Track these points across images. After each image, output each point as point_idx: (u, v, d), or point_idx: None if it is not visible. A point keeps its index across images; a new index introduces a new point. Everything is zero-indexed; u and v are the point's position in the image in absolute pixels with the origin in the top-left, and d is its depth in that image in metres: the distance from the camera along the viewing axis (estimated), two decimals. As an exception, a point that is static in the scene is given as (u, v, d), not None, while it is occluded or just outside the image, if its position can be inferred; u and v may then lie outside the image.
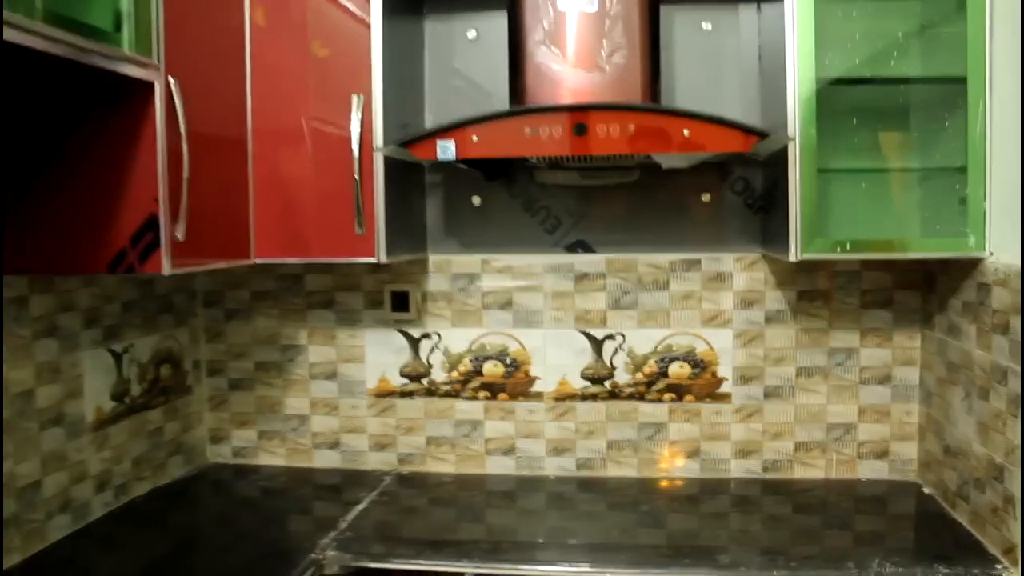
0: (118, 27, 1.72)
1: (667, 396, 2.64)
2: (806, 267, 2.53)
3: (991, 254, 2.07)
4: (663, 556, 2.09)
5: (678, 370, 2.63)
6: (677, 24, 2.56)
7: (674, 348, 2.63)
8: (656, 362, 2.64)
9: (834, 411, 2.59)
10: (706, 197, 2.55)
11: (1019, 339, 1.88)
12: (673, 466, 2.66)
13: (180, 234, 1.89)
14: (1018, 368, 1.89)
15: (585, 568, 2.00)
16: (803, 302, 2.57)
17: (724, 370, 2.61)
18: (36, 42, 1.45)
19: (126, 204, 1.86)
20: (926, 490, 2.46)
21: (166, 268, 1.86)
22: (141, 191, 1.85)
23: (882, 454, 2.58)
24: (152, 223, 1.85)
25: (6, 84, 1.76)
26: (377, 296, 2.74)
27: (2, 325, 1.96)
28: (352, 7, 2.25)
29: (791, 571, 1.94)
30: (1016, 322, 1.90)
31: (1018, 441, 1.89)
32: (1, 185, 1.90)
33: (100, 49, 1.64)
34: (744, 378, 2.61)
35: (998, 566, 1.92)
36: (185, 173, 1.89)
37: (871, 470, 2.59)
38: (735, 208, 2.57)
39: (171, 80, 1.86)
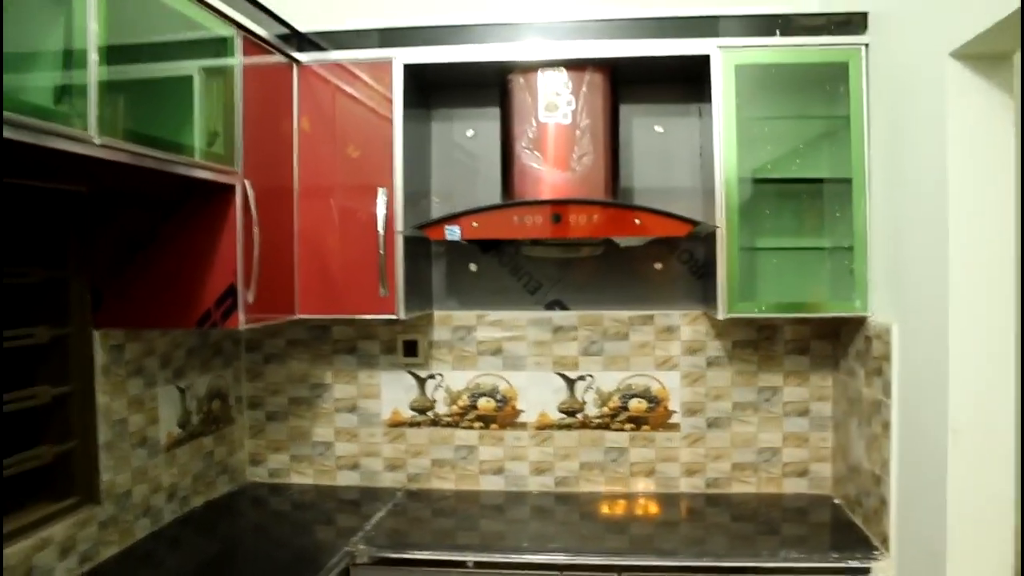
0: (211, 143, 2.33)
1: (628, 426, 3.24)
2: (739, 322, 3.14)
3: (872, 314, 2.69)
4: (623, 551, 2.67)
5: (637, 404, 3.23)
6: (635, 126, 3.19)
7: (633, 387, 3.23)
8: (619, 398, 3.24)
9: (763, 438, 3.19)
10: (658, 265, 3.17)
11: (888, 380, 2.49)
12: (640, 487, 3.24)
13: (251, 298, 2.48)
14: (888, 401, 2.49)
15: (560, 557, 2.58)
16: (737, 349, 3.18)
17: (674, 404, 3.22)
18: (157, 164, 2.07)
19: (211, 275, 2.45)
20: (836, 501, 3.06)
21: (242, 324, 2.45)
22: (223, 266, 2.44)
23: (803, 473, 3.18)
24: (231, 290, 2.44)
25: (126, 189, 2.36)
26: (391, 344, 3.33)
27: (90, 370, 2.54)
28: (379, 112, 2.87)
29: (717, 557, 2.53)
30: (887, 367, 2.51)
31: (889, 456, 2.49)
32: (104, 262, 2.50)
33: (200, 163, 2.25)
34: (690, 411, 3.21)
35: (875, 552, 2.51)
36: (255, 251, 2.49)
37: (794, 486, 3.18)
38: (681, 274, 3.19)
39: (247, 183, 2.47)
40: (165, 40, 2.15)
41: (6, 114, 1.52)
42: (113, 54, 1.85)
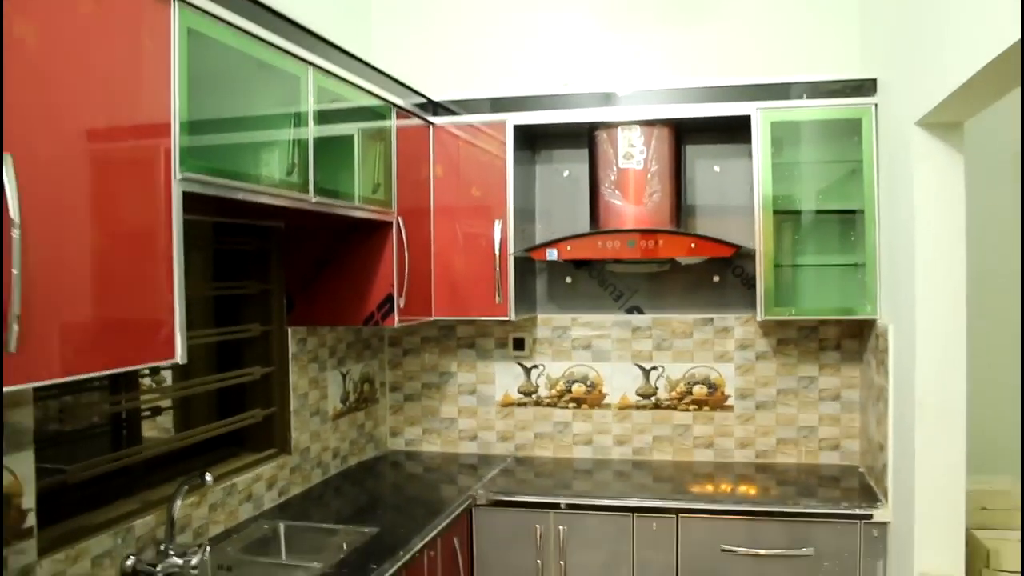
0: (375, 191, 3.23)
1: (692, 407, 4.02)
2: (782, 323, 3.89)
3: (879, 317, 3.42)
4: (680, 499, 3.46)
5: (699, 390, 4.01)
6: (698, 167, 3.98)
7: (696, 375, 4.02)
8: (684, 384, 4.03)
9: (802, 418, 3.93)
10: (716, 278, 3.93)
11: (887, 368, 3.22)
12: (701, 456, 4.03)
13: (402, 303, 3.38)
14: (887, 385, 3.22)
15: (631, 502, 3.39)
16: (780, 346, 3.93)
17: (729, 390, 3.99)
18: (342, 211, 2.97)
19: (374, 287, 3.36)
20: (861, 469, 3.78)
21: (396, 323, 3.35)
22: (383, 279, 3.34)
23: (835, 447, 3.91)
24: (389, 298, 3.34)
25: (317, 227, 3.29)
26: (504, 340, 4.20)
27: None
28: (495, 161, 3.74)
29: (753, 503, 3.31)
30: (887, 358, 3.24)
31: (888, 428, 3.22)
32: (296, 277, 3.43)
33: (368, 207, 3.15)
34: (742, 395, 3.98)
35: (877, 503, 3.24)
36: (406, 269, 3.39)
37: (828, 458, 3.92)
38: (734, 285, 3.96)
39: (399, 219, 3.36)
40: (347, 127, 3.06)
41: (260, 185, 2.44)
42: (318, 135, 2.76)
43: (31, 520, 2.16)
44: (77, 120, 1.75)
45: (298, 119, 2.65)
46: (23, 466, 2.13)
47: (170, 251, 2.00)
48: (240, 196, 2.33)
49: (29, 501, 2.15)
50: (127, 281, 1.89)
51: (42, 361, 1.64)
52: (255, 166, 2.44)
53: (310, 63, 2.69)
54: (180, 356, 2.02)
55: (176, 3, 2.04)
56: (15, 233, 1.53)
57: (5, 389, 1.54)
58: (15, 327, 1.53)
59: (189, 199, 2.08)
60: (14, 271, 1.53)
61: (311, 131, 2.70)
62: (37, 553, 2.18)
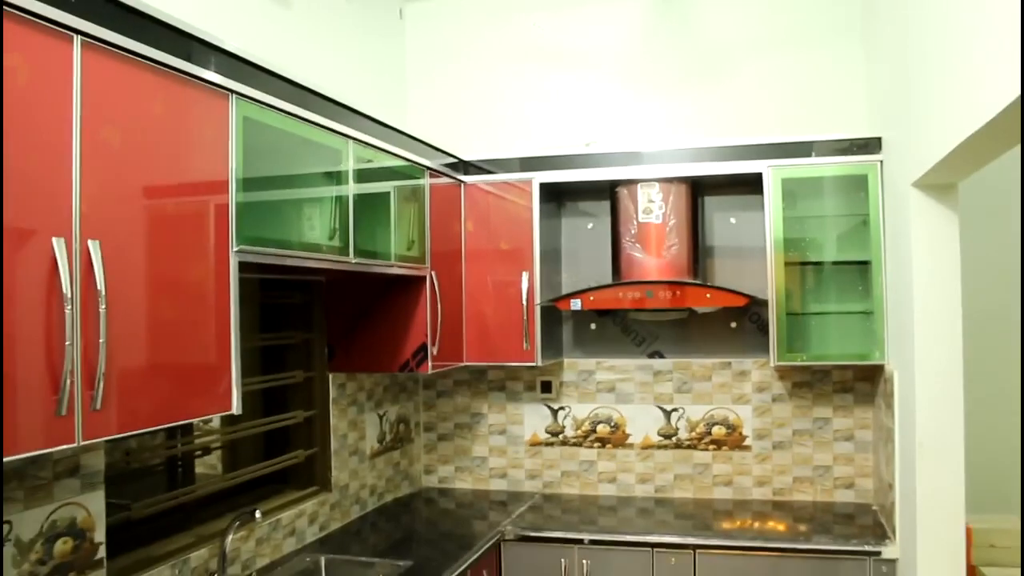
0: (410, 248, 3.49)
1: (711, 446, 4.22)
2: (796, 368, 4.08)
3: (887, 363, 3.61)
4: (698, 535, 3.65)
5: (718, 430, 4.21)
6: (715, 219, 4.20)
7: (715, 417, 4.21)
8: (704, 425, 4.22)
9: (817, 457, 4.11)
10: (733, 324, 4.14)
11: (894, 411, 3.40)
12: (720, 494, 4.21)
13: (435, 351, 3.62)
14: (894, 427, 3.40)
15: (651, 538, 3.59)
16: (795, 388, 4.12)
17: (747, 430, 4.18)
18: (380, 270, 3.24)
19: (409, 336, 3.61)
20: (874, 507, 3.94)
21: (430, 370, 3.59)
22: (418, 329, 3.59)
23: (849, 485, 4.08)
24: (423, 347, 3.59)
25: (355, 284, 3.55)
26: (532, 383, 4.43)
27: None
28: (522, 217, 3.99)
29: (766, 540, 3.49)
30: (893, 402, 3.42)
31: (895, 468, 3.39)
32: (336, 327, 3.69)
33: (403, 264, 3.41)
34: (759, 435, 4.17)
35: (886, 540, 3.41)
36: (439, 319, 3.64)
37: (842, 496, 4.09)
38: (751, 331, 4.16)
39: (432, 273, 3.62)
40: (383, 190, 3.32)
41: (304, 252, 2.71)
42: (357, 201, 3.03)
43: (102, 552, 2.42)
44: (150, 205, 2.03)
45: (339, 187, 2.93)
46: (95, 504, 2.40)
47: (227, 314, 2.27)
48: (288, 262, 2.59)
49: (100, 535, 2.42)
50: (190, 343, 2.16)
51: (122, 416, 1.90)
52: (300, 234, 2.71)
53: (350, 137, 2.97)
54: (236, 408, 2.28)
55: (233, 96, 2.32)
56: (102, 307, 1.80)
57: (93, 441, 1.80)
58: (100, 388, 1.79)
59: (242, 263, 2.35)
60: (100, 340, 1.80)
61: (351, 198, 2.97)
62: (106, 583, 2.44)
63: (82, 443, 1.78)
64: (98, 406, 1.80)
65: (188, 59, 2.16)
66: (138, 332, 1.97)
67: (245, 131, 2.37)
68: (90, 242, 1.80)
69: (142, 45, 1.99)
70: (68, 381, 1.74)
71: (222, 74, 2.28)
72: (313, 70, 3.34)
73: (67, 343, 1.73)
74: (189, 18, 2.18)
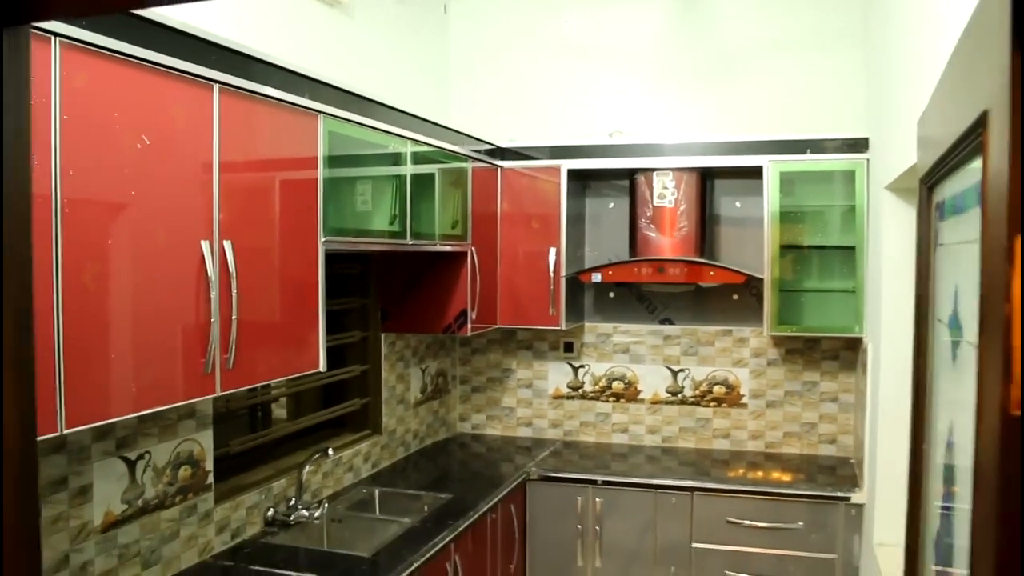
0: (454, 227, 4.05)
1: (712, 404, 4.80)
2: (789, 337, 4.63)
3: (864, 335, 4.15)
4: (695, 479, 4.24)
5: (718, 389, 4.78)
6: (722, 203, 4.73)
7: (716, 377, 4.78)
8: (706, 385, 4.80)
9: (806, 416, 4.67)
10: (735, 296, 4.69)
11: (866, 377, 3.95)
12: (719, 445, 4.79)
13: (474, 316, 4.20)
14: (866, 390, 3.96)
15: (655, 480, 4.19)
16: (788, 355, 4.68)
17: (744, 390, 4.75)
18: (429, 248, 3.82)
19: (452, 303, 4.19)
20: (851, 460, 4.51)
21: (469, 332, 4.18)
22: (459, 297, 4.17)
23: (832, 441, 4.65)
24: (464, 312, 4.17)
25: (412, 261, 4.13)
26: (556, 343, 5.01)
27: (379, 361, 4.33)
28: (551, 198, 4.54)
29: (754, 485, 4.08)
30: (867, 369, 3.97)
31: (865, 426, 3.95)
32: (389, 294, 4.28)
33: (448, 243, 3.98)
34: (755, 395, 4.74)
35: (855, 488, 3.98)
36: (478, 289, 4.21)
37: (826, 450, 4.66)
38: (751, 303, 4.70)
39: (473, 249, 4.19)
40: (433, 179, 3.88)
41: (372, 237, 3.29)
42: (412, 191, 3.60)
43: (211, 479, 3.04)
44: (263, 211, 2.61)
45: (398, 181, 3.49)
46: (206, 440, 3.01)
47: (316, 293, 2.86)
48: (362, 248, 3.18)
49: (209, 464, 3.04)
50: (291, 317, 2.75)
51: (246, 372, 2.50)
52: (368, 222, 3.29)
53: (408, 137, 3.53)
54: (323, 366, 2.88)
55: (321, 116, 2.89)
56: (234, 291, 2.39)
57: (229, 392, 2.40)
58: (233, 351, 2.39)
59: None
60: (232, 316, 2.39)
61: (408, 189, 3.54)
62: (213, 501, 3.06)
63: (220, 392, 2.38)
64: (231, 365, 2.40)
65: (294, 92, 2.73)
66: (258, 309, 2.56)
67: (330, 142, 2.93)
68: (225, 242, 2.39)
69: (258, 85, 2.56)
70: (212, 347, 2.34)
71: (315, 99, 2.84)
72: (372, 70, 3.93)
73: (212, 320, 2.33)
74: (273, 36, 2.74)
